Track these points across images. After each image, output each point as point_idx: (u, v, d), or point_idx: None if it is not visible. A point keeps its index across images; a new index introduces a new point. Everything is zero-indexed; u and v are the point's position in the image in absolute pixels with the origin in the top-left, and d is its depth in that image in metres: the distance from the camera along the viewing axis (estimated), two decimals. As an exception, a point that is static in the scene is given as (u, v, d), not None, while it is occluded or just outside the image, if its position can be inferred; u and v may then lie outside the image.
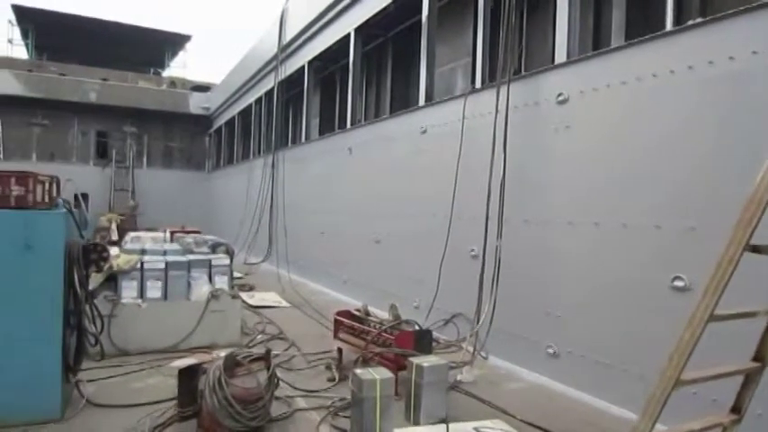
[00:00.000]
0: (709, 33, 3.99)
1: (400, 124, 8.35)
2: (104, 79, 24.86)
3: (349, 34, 10.28)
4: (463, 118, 6.58)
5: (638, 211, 4.44)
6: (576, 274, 5.02)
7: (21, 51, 29.04)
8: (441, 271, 6.71)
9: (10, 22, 27.78)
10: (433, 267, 6.77)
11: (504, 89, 5.78)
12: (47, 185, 4.25)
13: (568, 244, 5.11)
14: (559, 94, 5.23)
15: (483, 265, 5.79)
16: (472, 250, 6.26)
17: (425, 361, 4.15)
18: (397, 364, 4.59)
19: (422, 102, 7.74)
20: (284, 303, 9.00)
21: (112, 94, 24.23)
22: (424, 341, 4.81)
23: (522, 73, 6.54)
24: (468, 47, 8.63)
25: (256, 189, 15.09)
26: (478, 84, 6.62)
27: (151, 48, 29.39)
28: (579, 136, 5.06)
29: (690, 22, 4.28)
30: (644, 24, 5.91)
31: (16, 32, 28.33)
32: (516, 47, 6.17)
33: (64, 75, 24.64)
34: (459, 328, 6.48)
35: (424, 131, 7.55)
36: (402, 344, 4.72)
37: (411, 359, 4.22)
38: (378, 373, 3.80)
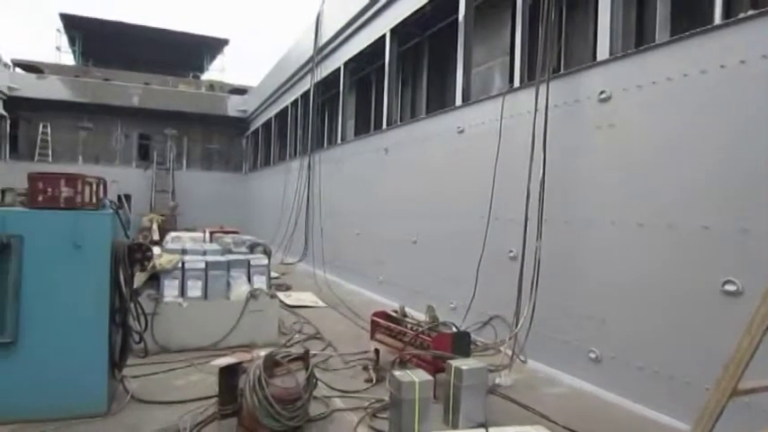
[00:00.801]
0: (765, 26, 3.82)
1: (437, 124, 8.30)
2: (146, 84, 25.59)
3: (385, 35, 10.29)
4: (501, 117, 6.49)
5: (686, 212, 4.28)
6: (620, 276, 4.88)
7: (68, 58, 30.16)
8: (478, 272, 6.63)
9: (58, 30, 28.88)
10: (470, 268, 6.70)
11: (543, 88, 5.67)
12: (94, 186, 4.38)
13: (612, 245, 4.97)
14: (602, 92, 5.10)
15: (522, 266, 5.69)
16: (511, 251, 6.16)
17: (464, 364, 4.10)
18: (435, 367, 4.55)
19: (459, 101, 7.67)
20: (320, 303, 9.06)
21: (154, 97, 24.93)
22: (462, 344, 4.75)
23: (562, 71, 6.41)
24: (505, 45, 8.53)
25: (293, 190, 15.26)
26: (517, 83, 6.52)
27: (191, 52, 30.07)
28: (623, 134, 4.92)
29: (741, 15, 4.11)
30: (690, 18, 5.72)
31: (64, 40, 29.45)
32: (555, 44, 6.04)
33: (108, 80, 25.47)
34: (497, 330, 6.39)
35: (461, 131, 7.48)
36: (440, 346, 4.67)
37: (449, 362, 4.18)
38: (416, 375, 3.77)
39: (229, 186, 25.00)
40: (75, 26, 27.72)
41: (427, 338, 4.78)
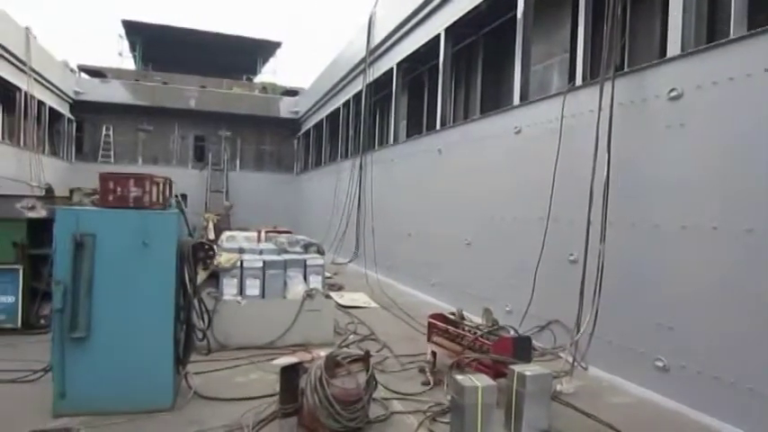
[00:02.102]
0: None
1: (492, 124, 8.16)
2: (202, 86, 26.39)
3: (439, 35, 10.20)
4: (561, 117, 6.30)
5: (764, 215, 4.02)
6: (690, 283, 4.64)
7: (129, 63, 31.46)
8: (536, 275, 6.46)
9: (120, 36, 30.17)
10: (528, 271, 6.54)
11: (607, 86, 5.47)
12: (161, 186, 4.50)
13: (681, 250, 4.74)
14: (672, 90, 4.87)
15: (584, 270, 5.50)
16: (571, 255, 5.97)
17: (527, 369, 3.99)
18: (495, 372, 4.44)
19: (516, 101, 7.51)
20: (373, 304, 9.06)
21: (209, 100, 25.68)
22: (523, 348, 4.63)
23: (626, 68, 6.17)
24: (565, 43, 8.30)
25: (344, 190, 15.36)
26: (579, 81, 6.32)
27: (244, 55, 30.80)
28: (695, 134, 4.68)
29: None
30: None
31: (125, 45, 30.74)
32: (619, 41, 5.82)
33: (166, 83, 26.42)
34: (556, 335, 6.21)
35: (519, 131, 7.32)
36: (500, 350, 4.57)
37: (512, 367, 4.07)
38: (479, 380, 3.70)
39: (281, 187, 25.45)
40: (136, 32, 28.88)
41: (487, 342, 4.68)
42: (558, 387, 4.92)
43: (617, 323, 5.31)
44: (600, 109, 5.46)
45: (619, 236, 5.32)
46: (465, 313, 5.65)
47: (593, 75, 6.20)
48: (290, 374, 3.93)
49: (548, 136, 6.49)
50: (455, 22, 9.66)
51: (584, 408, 4.52)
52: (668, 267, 4.87)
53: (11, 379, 4.71)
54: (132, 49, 31.10)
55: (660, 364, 4.85)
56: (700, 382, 4.48)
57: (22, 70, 17.16)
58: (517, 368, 4.04)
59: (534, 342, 6.17)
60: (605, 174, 5.33)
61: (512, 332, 5.03)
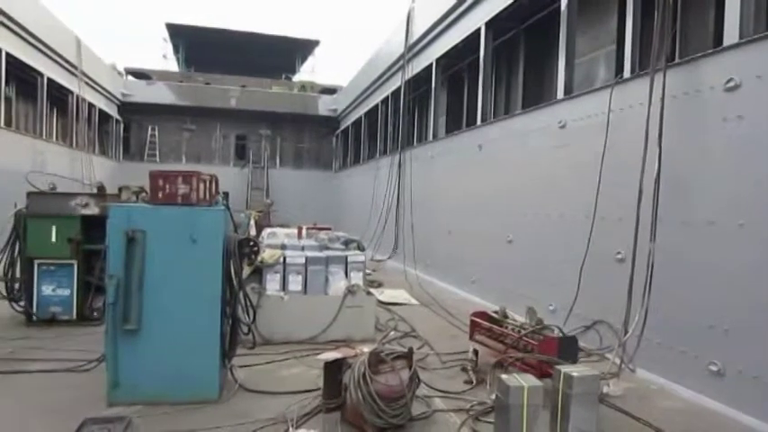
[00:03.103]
0: None
1: (535, 119, 8.00)
2: (243, 86, 26.87)
3: (479, 29, 10.08)
4: (609, 110, 6.12)
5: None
6: (748, 283, 4.44)
7: (173, 65, 32.31)
8: (581, 274, 6.30)
9: (164, 39, 31.02)
10: (572, 270, 6.38)
11: (658, 77, 5.28)
12: (207, 184, 4.59)
13: (738, 249, 4.53)
14: (729, 80, 4.66)
15: (632, 269, 5.34)
16: (618, 253, 5.81)
17: (574, 370, 3.89)
18: (540, 372, 4.36)
19: (560, 95, 7.34)
20: (413, 301, 9.04)
21: (250, 99, 26.13)
22: (569, 349, 4.52)
23: (677, 59, 5.94)
24: (611, 33, 8.07)
25: (382, 187, 15.38)
26: (627, 73, 6.12)
27: (283, 54, 31.20)
28: (755, 126, 4.46)
29: None
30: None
31: (169, 48, 31.57)
32: (670, 30, 5.61)
33: (208, 84, 27.02)
34: (603, 336, 6.06)
35: (563, 126, 7.16)
36: (545, 350, 4.48)
37: (558, 367, 3.98)
38: (524, 380, 3.62)
39: (320, 184, 25.68)
40: (179, 34, 29.64)
41: (532, 342, 4.59)
42: (605, 389, 4.79)
43: (667, 324, 5.13)
44: (650, 102, 5.28)
45: (670, 233, 5.14)
46: (508, 311, 5.56)
47: (642, 66, 6.00)
48: (334, 370, 3.95)
49: (594, 130, 6.32)
50: (496, 16, 9.51)
51: (632, 411, 4.39)
52: (723, 267, 4.67)
53: (67, 368, 4.92)
54: (176, 51, 31.93)
55: (714, 368, 4.66)
56: (757, 387, 4.28)
57: (73, 74, 17.86)
58: (563, 368, 3.94)
59: (580, 342, 6.04)
60: (656, 169, 5.15)
61: (557, 332, 4.92)
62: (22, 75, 15.76)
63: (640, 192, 5.30)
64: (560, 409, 3.87)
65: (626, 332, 5.38)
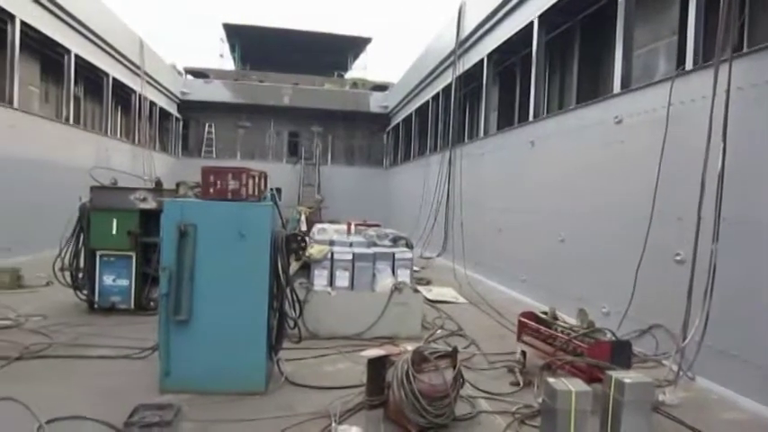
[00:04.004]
0: None
1: (590, 114, 7.74)
2: (296, 84, 27.29)
3: (532, 22, 9.83)
4: (668, 104, 5.84)
5: None
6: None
7: (229, 63, 33.18)
8: (637, 276, 6.04)
9: (221, 39, 31.90)
10: (627, 271, 6.13)
11: (723, 68, 4.98)
12: (256, 180, 4.68)
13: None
14: (802, 71, 4.35)
15: (693, 271, 5.07)
16: (678, 254, 5.54)
17: (626, 376, 3.73)
18: (590, 376, 4.21)
19: (617, 89, 7.07)
20: (461, 300, 8.94)
21: (302, 97, 26.52)
22: (621, 353, 4.34)
23: (746, 48, 5.60)
24: (673, 24, 7.68)
25: (432, 184, 15.29)
26: (689, 65, 5.82)
27: (336, 52, 31.49)
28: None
29: None
30: None
31: (226, 48, 32.45)
32: (737, 18, 5.29)
33: (263, 82, 27.60)
34: (659, 341, 5.79)
35: (619, 121, 6.89)
36: (596, 354, 4.31)
37: (609, 372, 3.83)
38: (572, 384, 3.50)
39: (370, 180, 25.80)
40: (235, 34, 30.39)
41: (582, 345, 4.44)
42: (661, 397, 4.57)
43: (730, 330, 4.85)
44: (714, 94, 4.99)
45: (734, 234, 4.85)
46: (558, 313, 5.40)
47: (705, 57, 5.69)
48: (377, 367, 3.94)
49: (652, 125, 6.05)
50: (549, 9, 9.26)
51: (690, 422, 4.17)
52: (793, 270, 4.37)
53: (124, 355, 5.15)
54: (232, 50, 32.77)
55: (782, 377, 4.37)
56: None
57: (136, 74, 18.65)
58: (615, 374, 3.78)
59: (634, 347, 5.80)
60: (719, 166, 4.87)
61: (609, 335, 4.74)
62: (89, 75, 16.59)
63: (702, 189, 5.02)
64: (611, 417, 3.72)
65: (684, 338, 5.12)
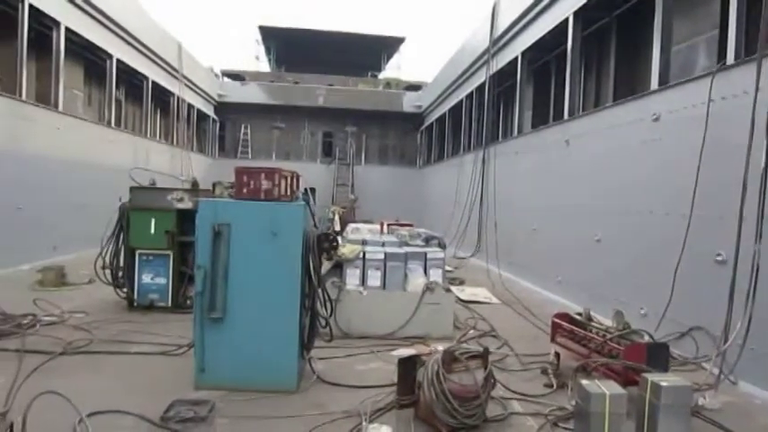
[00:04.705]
0: None
1: (626, 112, 7.56)
2: (330, 85, 27.50)
3: (567, 19, 9.66)
4: (708, 100, 5.65)
5: None
6: None
7: (264, 65, 33.63)
8: (675, 277, 5.87)
9: (257, 41, 32.35)
10: (666, 272, 5.96)
11: (766, 63, 4.80)
12: (289, 180, 4.74)
13: None
14: None
15: (734, 272, 4.90)
16: (718, 255, 5.36)
17: (663, 379, 3.63)
18: (626, 379, 4.11)
19: (654, 85, 6.89)
20: (495, 300, 8.86)
21: (336, 97, 26.70)
22: (658, 356, 4.22)
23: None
24: (713, 17, 7.44)
25: (466, 184, 15.19)
26: (730, 59, 5.62)
27: (369, 52, 31.54)
28: None
29: None
30: None
31: (261, 50, 32.91)
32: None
33: (297, 83, 27.91)
34: (699, 343, 5.62)
35: (657, 118, 6.70)
36: (631, 356, 4.21)
37: (645, 375, 3.74)
38: (607, 387, 3.44)
39: (404, 180, 25.79)
40: (271, 36, 30.78)
41: (617, 347, 4.34)
42: (701, 401, 4.44)
43: (775, 333, 4.67)
44: (757, 89, 4.81)
45: (779, 234, 4.67)
46: (592, 314, 5.30)
47: (747, 52, 5.49)
48: (408, 366, 3.95)
49: (691, 122, 5.87)
50: (585, 5, 9.08)
51: (731, 427, 4.04)
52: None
53: (161, 351, 5.30)
54: (267, 52, 33.19)
55: (831, 383, 4.18)
56: None
57: (175, 77, 19.12)
58: (651, 377, 3.69)
59: (672, 350, 5.64)
60: (762, 163, 4.70)
61: (646, 337, 4.63)
62: (130, 78, 17.10)
63: (744, 188, 4.85)
64: (647, 421, 3.64)
65: (726, 340, 4.95)
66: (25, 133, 10.49)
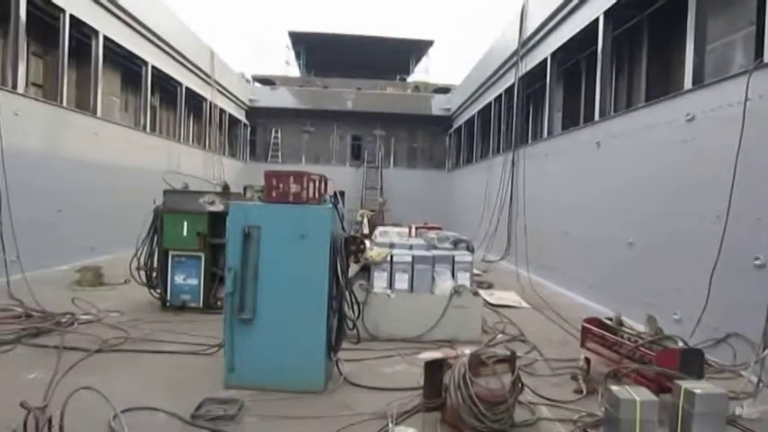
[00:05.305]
0: None
1: (659, 112, 7.41)
2: (358, 88, 27.67)
3: (597, 19, 9.53)
4: (745, 99, 5.49)
5: None
6: None
7: (294, 70, 34.01)
8: (711, 281, 5.72)
9: (287, 46, 32.76)
10: (701, 276, 5.80)
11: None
12: (317, 183, 4.80)
13: None
14: None
15: (773, 277, 4.75)
16: (757, 258, 5.20)
17: (697, 386, 3.54)
18: (658, 386, 4.01)
19: (688, 84, 6.74)
20: (524, 304, 8.76)
21: (365, 101, 26.86)
22: (692, 362, 4.12)
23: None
24: (750, 14, 7.23)
25: (495, 186, 15.08)
26: (768, 57, 5.46)
27: (398, 56, 31.59)
28: None
29: None
30: None
31: (291, 55, 33.31)
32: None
33: (326, 87, 28.16)
34: (737, 350, 5.45)
35: (691, 118, 6.55)
36: (664, 362, 4.11)
37: (678, 382, 3.65)
38: (637, 393, 3.37)
39: (433, 183, 25.74)
40: (300, 41, 31.13)
41: (649, 353, 4.25)
42: (738, 410, 4.30)
43: (817, 341, 4.50)
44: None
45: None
46: (624, 319, 5.19)
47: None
48: (434, 370, 3.95)
49: (727, 122, 5.71)
50: (615, 4, 8.94)
51: (770, 437, 3.92)
52: None
53: (192, 351, 5.41)
54: (297, 57, 33.56)
55: None
56: None
57: (207, 83, 19.51)
58: (684, 384, 3.61)
59: (708, 356, 5.49)
60: (803, 165, 4.55)
61: (679, 343, 4.51)
62: (164, 85, 17.52)
63: (785, 190, 4.71)
64: (680, 429, 3.56)
65: (765, 347, 4.80)
66: (65, 138, 10.86)
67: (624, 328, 4.93)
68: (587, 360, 5.01)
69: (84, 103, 12.21)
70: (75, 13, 10.92)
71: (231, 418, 3.77)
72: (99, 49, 12.22)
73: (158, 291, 7.37)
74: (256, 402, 4.09)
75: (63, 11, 10.66)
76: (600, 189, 9.11)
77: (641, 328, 4.95)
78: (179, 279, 7.24)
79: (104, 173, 11.92)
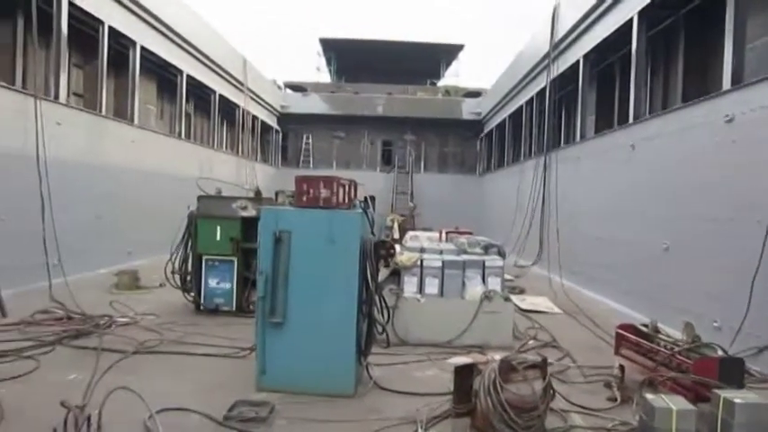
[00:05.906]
0: None
1: (696, 114, 7.22)
2: (389, 94, 27.73)
3: (631, 19, 9.35)
4: (788, 100, 5.32)
5: None
6: None
7: (325, 77, 34.34)
8: (753, 287, 5.53)
9: (318, 53, 33.12)
10: (742, 282, 5.62)
11: None
12: (347, 188, 4.83)
13: None
14: None
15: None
16: (801, 265, 5.01)
17: (737, 396, 3.42)
18: (696, 395, 3.90)
19: (726, 85, 6.55)
20: (556, 310, 8.63)
21: (395, 106, 26.90)
22: (731, 371, 3.99)
23: None
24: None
25: (527, 191, 14.91)
26: (813, 56, 5.27)
27: (428, 60, 31.59)
28: None
29: None
30: None
31: (322, 61, 33.64)
32: None
33: (357, 93, 28.31)
34: (780, 359, 5.26)
35: (730, 120, 6.36)
36: (702, 371, 3.99)
37: (716, 391, 3.54)
38: (673, 402, 3.28)
39: (463, 188, 25.57)
40: (331, 47, 31.44)
41: (686, 361, 4.14)
42: (781, 421, 4.15)
43: None
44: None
45: None
46: (660, 326, 5.06)
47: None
48: (464, 375, 3.92)
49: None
50: (650, 4, 8.75)
51: (816, 449, 3.75)
52: None
53: (225, 354, 5.51)
54: (328, 63, 33.89)
55: None
56: None
57: (240, 90, 19.87)
58: (724, 393, 3.49)
59: (749, 365, 5.30)
60: None
61: (719, 351, 4.38)
62: (198, 92, 17.92)
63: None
64: (719, 439, 3.44)
65: (810, 357, 4.61)
66: (104, 146, 11.20)
67: (660, 336, 4.82)
68: (621, 367, 4.91)
69: (121, 112, 12.58)
70: (114, 25, 11.27)
71: (262, 421, 3.82)
72: (136, 58, 12.57)
73: (192, 294, 7.53)
74: (287, 405, 4.14)
75: (102, 23, 11.01)
76: (634, 192, 8.91)
77: (678, 335, 4.83)
78: (212, 283, 7.39)
79: (141, 179, 12.23)
